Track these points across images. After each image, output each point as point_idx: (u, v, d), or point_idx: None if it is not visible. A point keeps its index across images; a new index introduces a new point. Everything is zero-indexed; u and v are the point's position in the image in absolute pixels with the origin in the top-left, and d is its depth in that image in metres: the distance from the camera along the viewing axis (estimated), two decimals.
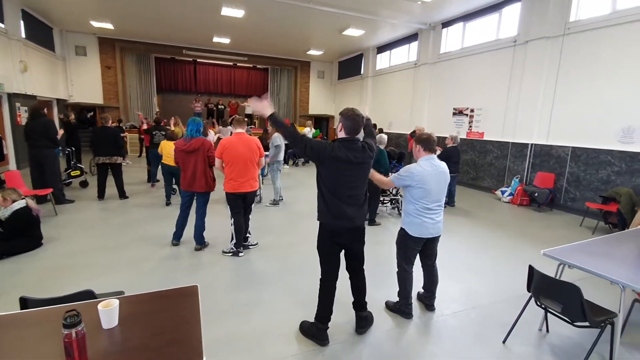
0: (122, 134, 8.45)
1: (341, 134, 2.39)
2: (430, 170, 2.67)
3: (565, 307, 2.28)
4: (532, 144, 7.60)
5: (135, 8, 9.91)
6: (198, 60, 16.34)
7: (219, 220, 5.22)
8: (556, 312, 2.38)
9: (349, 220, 2.41)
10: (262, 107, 2.47)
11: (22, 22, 9.67)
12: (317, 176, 2.43)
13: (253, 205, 4.33)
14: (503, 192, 7.84)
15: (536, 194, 6.99)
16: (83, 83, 13.28)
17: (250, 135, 4.17)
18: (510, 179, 8.00)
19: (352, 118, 2.33)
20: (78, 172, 7.62)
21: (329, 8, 9.09)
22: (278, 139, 5.96)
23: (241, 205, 4.02)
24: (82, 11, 10.37)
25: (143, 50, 14.17)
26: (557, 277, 2.76)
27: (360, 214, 2.45)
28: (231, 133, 6.18)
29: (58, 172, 6.20)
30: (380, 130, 11.12)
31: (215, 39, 12.97)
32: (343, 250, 2.59)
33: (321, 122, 18.09)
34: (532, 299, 2.58)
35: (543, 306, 2.50)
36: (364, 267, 2.71)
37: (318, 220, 2.49)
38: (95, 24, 11.47)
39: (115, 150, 6.33)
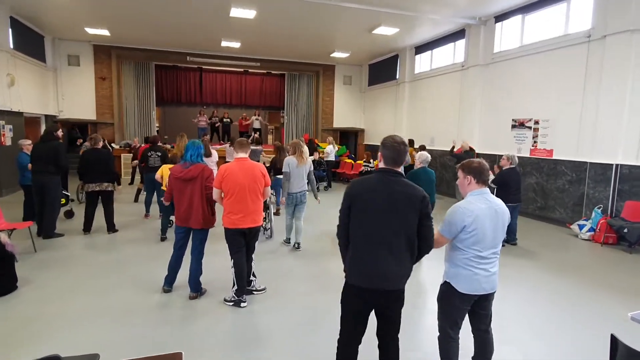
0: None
1: (381, 165, 2.47)
2: (484, 208, 2.59)
3: None
4: (617, 165, 7.25)
5: (134, 12, 10.62)
6: (204, 67, 17.07)
7: (219, 261, 5.27)
8: None
9: (381, 279, 2.36)
10: None
11: (10, 31, 10.57)
12: (350, 225, 2.46)
13: (257, 244, 4.35)
14: (581, 227, 7.45)
15: (625, 230, 6.59)
16: (75, 97, 14.20)
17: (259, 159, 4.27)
18: (591, 210, 7.61)
19: (391, 147, 2.39)
20: (63, 201, 7.99)
21: (355, 4, 9.33)
22: (287, 164, 5.93)
23: (242, 243, 4.06)
24: (76, 17, 11.24)
25: (142, 57, 15.05)
26: None
27: (398, 272, 2.37)
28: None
29: (58, 202, 6.61)
30: (422, 147, 11.03)
31: (224, 43, 13.61)
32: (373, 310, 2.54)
33: (348, 137, 18.19)
34: None
35: None
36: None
37: (345, 278, 2.50)
38: (91, 30, 12.38)
39: (107, 175, 6.62)
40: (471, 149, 9.63)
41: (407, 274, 2.42)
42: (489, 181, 2.77)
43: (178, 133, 10.43)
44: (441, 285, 2.81)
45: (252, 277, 4.37)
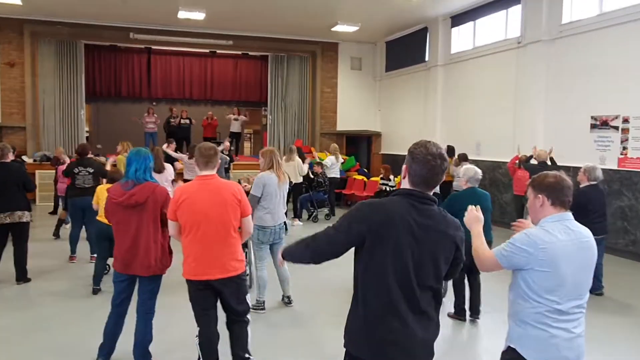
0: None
1: (405, 184, 2.40)
2: (565, 240, 2.59)
3: None
4: None
5: None
6: (154, 47, 17.25)
7: (177, 321, 5.21)
8: None
9: (401, 352, 2.31)
10: None
11: None
12: (355, 272, 2.41)
13: (249, 297, 4.24)
14: None
15: None
16: None
17: (227, 177, 4.20)
18: None
19: (423, 161, 2.30)
20: None
21: None
22: (259, 184, 5.67)
23: (211, 301, 3.97)
24: None
25: (67, 35, 15.19)
26: None
27: (424, 341, 2.35)
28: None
29: None
30: (464, 157, 11.03)
31: (182, 14, 13.80)
32: None
33: (358, 143, 18.29)
34: None
35: None
36: None
37: (345, 347, 2.43)
38: None
39: (20, 201, 6.59)
40: (553, 162, 9.34)
41: (434, 340, 2.41)
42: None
43: (116, 140, 10.49)
44: (503, 353, 2.78)
45: (246, 355, 4.12)
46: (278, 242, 5.99)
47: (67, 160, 10.28)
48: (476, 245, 2.83)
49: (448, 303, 5.94)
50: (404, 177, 2.40)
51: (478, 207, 3.02)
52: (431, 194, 2.38)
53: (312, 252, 2.47)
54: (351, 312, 2.41)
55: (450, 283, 5.99)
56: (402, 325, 2.28)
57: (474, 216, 2.97)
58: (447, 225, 2.35)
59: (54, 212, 11.84)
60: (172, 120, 16.72)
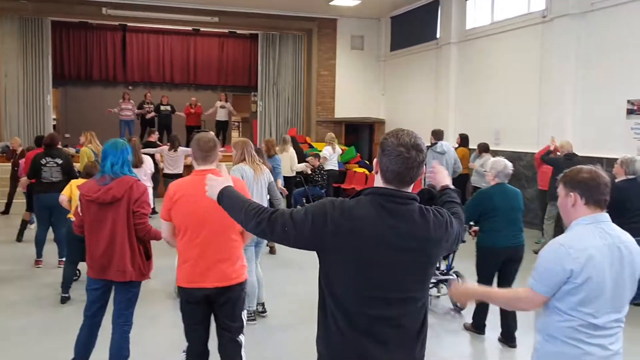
0: None
1: (377, 180, 2.31)
2: (601, 246, 2.56)
3: None
4: None
5: None
6: (129, 24, 17.17)
7: (159, 334, 5.17)
8: None
9: None
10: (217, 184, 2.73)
11: None
12: (319, 279, 2.34)
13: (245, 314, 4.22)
14: None
15: None
16: None
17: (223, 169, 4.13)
18: None
19: (395, 153, 2.20)
20: None
21: None
22: (238, 174, 5.64)
23: (203, 314, 3.93)
24: None
25: (31, 10, 15.09)
26: None
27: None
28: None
29: None
30: (484, 148, 10.99)
31: None
32: None
33: (359, 133, 18.34)
34: None
35: None
36: None
37: None
38: None
39: None
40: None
41: (420, 358, 2.37)
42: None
43: (87, 128, 10.42)
44: None
45: None
46: (261, 243, 6.04)
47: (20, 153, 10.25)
48: (498, 300, 3.00)
49: (467, 316, 5.99)
50: (376, 173, 2.33)
51: (459, 281, 3.02)
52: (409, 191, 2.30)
53: (258, 227, 2.36)
54: (319, 328, 2.38)
55: None
56: (375, 343, 2.25)
57: (459, 294, 3.07)
58: (428, 228, 2.26)
59: (6, 211, 11.80)
60: (145, 106, 16.55)
